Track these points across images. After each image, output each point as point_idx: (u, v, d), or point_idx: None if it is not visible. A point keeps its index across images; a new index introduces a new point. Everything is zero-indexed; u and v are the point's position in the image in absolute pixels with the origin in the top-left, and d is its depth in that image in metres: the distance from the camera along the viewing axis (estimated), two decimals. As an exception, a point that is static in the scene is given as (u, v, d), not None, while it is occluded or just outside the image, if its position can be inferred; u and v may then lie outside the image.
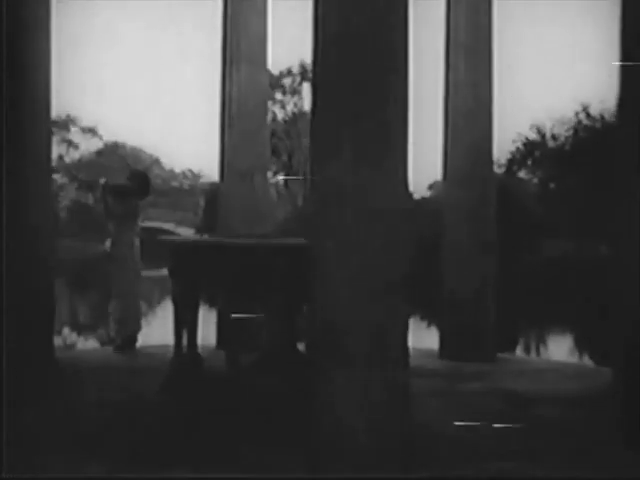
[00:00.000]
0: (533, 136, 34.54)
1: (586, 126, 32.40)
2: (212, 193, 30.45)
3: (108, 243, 8.17)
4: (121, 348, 7.94)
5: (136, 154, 47.34)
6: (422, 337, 10.33)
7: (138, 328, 8.13)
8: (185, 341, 6.15)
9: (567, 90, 58.70)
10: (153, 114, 69.42)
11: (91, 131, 46.16)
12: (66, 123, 44.09)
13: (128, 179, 8.50)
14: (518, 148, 34.30)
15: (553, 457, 4.52)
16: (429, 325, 13.13)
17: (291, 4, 14.77)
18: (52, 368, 6.77)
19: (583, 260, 24.39)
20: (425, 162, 11.65)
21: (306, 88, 39.32)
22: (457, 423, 5.05)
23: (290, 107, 40.40)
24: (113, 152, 45.81)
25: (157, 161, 49.38)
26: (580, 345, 13.00)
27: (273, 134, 34.69)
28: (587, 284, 19.34)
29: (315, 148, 3.79)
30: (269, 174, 9.27)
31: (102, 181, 9.66)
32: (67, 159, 44.97)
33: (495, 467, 4.31)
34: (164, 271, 6.55)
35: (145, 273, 8.68)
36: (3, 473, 3.86)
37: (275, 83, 37.59)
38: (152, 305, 16.92)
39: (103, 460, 4.33)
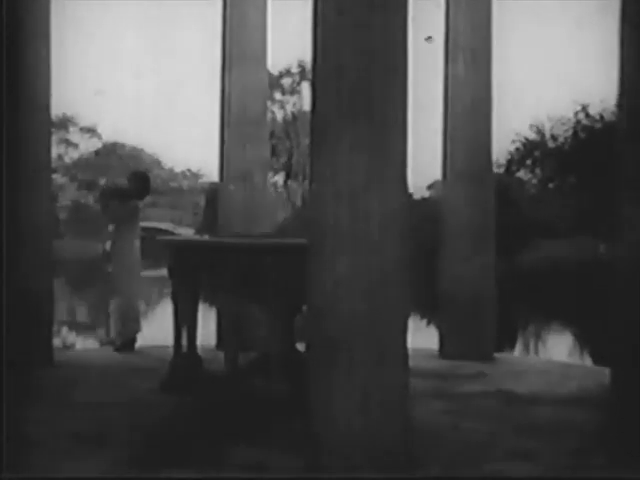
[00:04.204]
0: (533, 136, 34.56)
1: (585, 126, 32.42)
2: (212, 193, 30.41)
3: (108, 244, 8.17)
4: (121, 348, 7.94)
5: (136, 154, 47.23)
6: (422, 336, 10.32)
7: (138, 328, 8.14)
8: (184, 341, 6.16)
9: (567, 90, 58.65)
10: (153, 114, 69.34)
11: (90, 131, 46.08)
12: (65, 123, 43.98)
13: (128, 179, 8.50)
14: (517, 148, 34.31)
15: (553, 457, 4.52)
16: (428, 324, 13.13)
17: (291, 3, 14.78)
18: (51, 368, 6.79)
19: (582, 260, 24.39)
20: (424, 162, 11.65)
21: (305, 88, 39.30)
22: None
23: (290, 107, 40.40)
24: (112, 152, 45.72)
25: (157, 161, 49.30)
26: (580, 344, 13.00)
27: (272, 134, 34.70)
28: (586, 284, 19.36)
29: (314, 148, 3.78)
30: (268, 174, 9.27)
31: (101, 183, 9.73)
32: (67, 159, 44.89)
33: (495, 467, 4.31)
34: (163, 271, 6.55)
35: (145, 273, 8.68)
36: (3, 473, 3.86)
37: (274, 83, 37.56)
38: (151, 305, 16.90)
39: (103, 460, 4.33)
